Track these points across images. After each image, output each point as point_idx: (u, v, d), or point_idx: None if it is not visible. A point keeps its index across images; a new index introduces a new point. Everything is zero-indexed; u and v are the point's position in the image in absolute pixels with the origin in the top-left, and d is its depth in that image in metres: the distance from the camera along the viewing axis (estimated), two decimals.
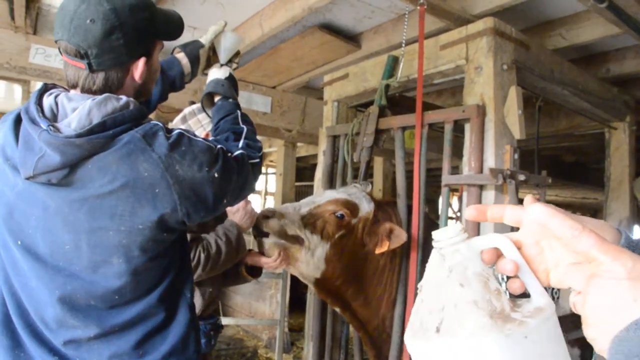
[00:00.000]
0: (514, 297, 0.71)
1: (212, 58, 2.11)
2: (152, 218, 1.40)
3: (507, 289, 0.73)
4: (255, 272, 2.55)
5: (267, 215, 2.47)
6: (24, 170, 1.36)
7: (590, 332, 0.60)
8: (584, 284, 0.60)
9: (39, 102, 1.43)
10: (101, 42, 1.43)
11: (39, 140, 1.33)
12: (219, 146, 1.57)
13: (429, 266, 0.72)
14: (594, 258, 0.59)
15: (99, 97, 1.42)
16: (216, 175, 1.50)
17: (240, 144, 1.69)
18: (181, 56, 2.02)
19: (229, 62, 2.13)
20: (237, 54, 2.17)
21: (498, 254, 0.72)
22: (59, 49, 1.52)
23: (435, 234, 0.72)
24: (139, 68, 1.53)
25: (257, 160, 1.71)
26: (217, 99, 2.00)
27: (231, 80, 2.06)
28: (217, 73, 2.07)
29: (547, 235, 0.70)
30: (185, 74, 2.04)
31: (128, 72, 1.53)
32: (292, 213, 2.55)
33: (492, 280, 0.68)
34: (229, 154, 1.59)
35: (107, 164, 1.37)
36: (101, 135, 1.36)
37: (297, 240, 2.51)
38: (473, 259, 0.69)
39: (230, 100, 1.95)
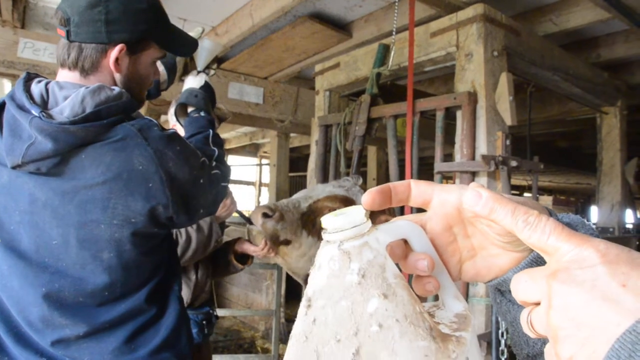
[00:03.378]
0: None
1: (190, 65, 2.08)
2: (145, 212, 1.39)
3: None
4: (246, 260, 2.55)
5: (267, 214, 2.34)
6: (11, 158, 1.32)
7: (564, 348, 0.42)
8: (543, 288, 0.44)
9: (27, 89, 1.40)
10: (83, 11, 1.42)
11: (30, 127, 1.30)
12: (202, 158, 1.57)
13: (320, 269, 0.50)
14: (555, 248, 0.45)
15: (92, 86, 1.40)
16: (201, 181, 1.51)
17: (213, 165, 1.67)
18: (157, 64, 1.99)
19: (207, 68, 2.10)
20: (215, 60, 2.14)
21: (406, 246, 0.56)
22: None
23: (328, 221, 0.51)
24: (115, 53, 1.48)
25: (226, 184, 1.72)
26: (190, 110, 1.96)
27: (206, 89, 2.02)
28: (192, 82, 2.04)
29: (461, 219, 0.57)
30: (161, 81, 2.00)
31: (105, 55, 1.49)
32: (292, 211, 2.44)
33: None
34: (210, 169, 1.60)
35: (100, 155, 1.35)
36: (96, 124, 1.34)
37: (288, 243, 2.45)
38: (387, 256, 0.50)
39: (203, 114, 1.91)
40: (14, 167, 1.34)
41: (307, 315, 0.49)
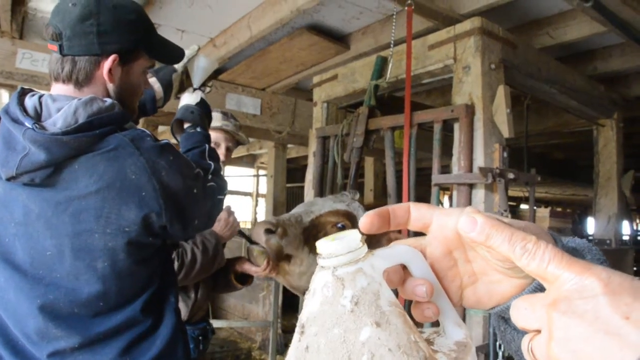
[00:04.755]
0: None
1: (186, 82, 2.09)
2: (138, 220, 1.39)
3: None
4: (246, 279, 2.52)
5: (270, 229, 2.27)
6: (5, 170, 1.34)
7: None
8: (543, 317, 0.43)
9: (21, 103, 1.42)
10: (75, 24, 1.44)
11: (24, 138, 1.32)
12: (197, 169, 1.59)
13: (314, 295, 0.50)
14: (555, 276, 0.43)
15: (84, 97, 1.42)
16: (195, 191, 1.52)
17: (209, 178, 1.69)
18: (153, 81, 2.00)
19: (203, 85, 2.12)
20: (211, 77, 2.15)
21: (403, 271, 0.55)
22: (45, 37, 1.53)
23: (323, 246, 0.49)
24: (108, 64, 1.50)
25: (223, 197, 1.73)
26: (186, 126, 1.97)
27: (202, 105, 2.03)
28: (188, 98, 2.05)
29: (462, 244, 0.55)
30: (157, 98, 2.02)
31: (98, 66, 1.51)
32: (295, 226, 2.38)
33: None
34: (205, 181, 1.62)
35: (93, 165, 1.36)
36: (89, 134, 1.36)
37: (290, 259, 2.40)
38: (382, 283, 0.49)
39: (199, 129, 1.93)
40: (8, 179, 1.35)
41: (300, 342, 0.48)
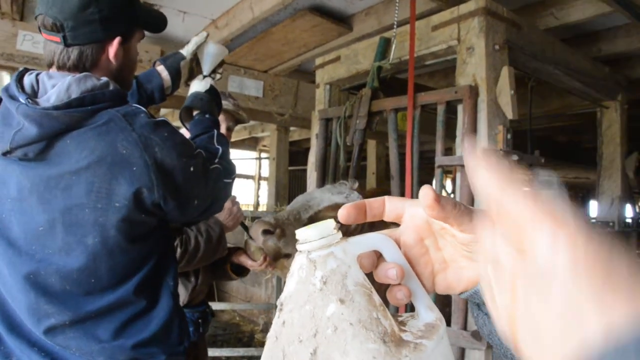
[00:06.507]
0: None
1: (195, 69, 2.07)
2: (129, 196, 1.39)
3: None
4: (242, 271, 2.52)
5: (268, 230, 2.19)
6: (1, 145, 1.37)
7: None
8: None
9: (19, 81, 1.45)
10: (77, 14, 1.45)
11: (17, 113, 1.34)
12: (199, 149, 1.60)
13: (292, 276, 0.55)
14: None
15: (79, 75, 1.43)
16: (192, 169, 1.51)
17: (216, 161, 1.69)
18: (161, 69, 1.97)
19: (213, 72, 2.09)
20: (221, 64, 2.12)
21: (378, 258, 0.58)
22: (38, 26, 1.53)
23: (300, 233, 0.55)
24: (114, 47, 1.53)
25: (230, 180, 1.72)
26: (195, 113, 1.96)
27: (212, 93, 2.02)
28: (197, 86, 2.03)
29: (432, 232, 0.59)
30: (165, 87, 2.00)
31: (103, 50, 1.53)
32: (293, 224, 2.27)
33: (375, 292, 0.54)
34: (207, 162, 1.62)
35: (85, 140, 1.37)
36: (80, 110, 1.37)
37: (289, 255, 2.30)
38: (352, 266, 0.54)
39: (208, 116, 1.92)
40: (4, 154, 1.38)
41: (279, 318, 0.53)
